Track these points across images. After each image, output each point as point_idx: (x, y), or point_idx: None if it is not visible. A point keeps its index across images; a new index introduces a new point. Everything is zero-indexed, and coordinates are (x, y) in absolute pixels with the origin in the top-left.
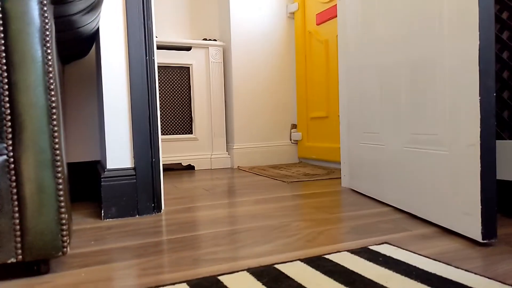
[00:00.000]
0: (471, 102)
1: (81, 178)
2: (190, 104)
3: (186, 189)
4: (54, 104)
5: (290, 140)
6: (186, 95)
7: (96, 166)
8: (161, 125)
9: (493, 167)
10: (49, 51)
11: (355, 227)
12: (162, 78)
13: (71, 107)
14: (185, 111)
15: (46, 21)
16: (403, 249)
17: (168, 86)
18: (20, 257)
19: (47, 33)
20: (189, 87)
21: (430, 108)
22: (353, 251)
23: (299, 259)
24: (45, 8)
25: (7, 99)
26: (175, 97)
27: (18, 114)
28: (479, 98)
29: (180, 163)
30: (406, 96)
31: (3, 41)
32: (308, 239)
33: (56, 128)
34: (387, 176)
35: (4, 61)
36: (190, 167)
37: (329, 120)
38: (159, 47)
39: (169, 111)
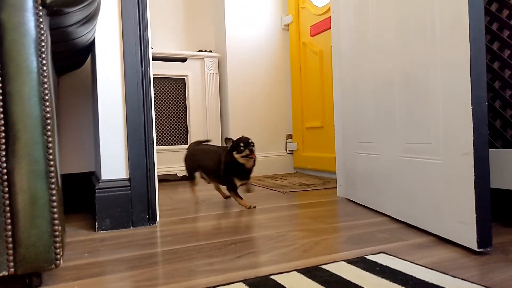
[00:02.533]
0: (464, 111)
1: (75, 189)
2: (186, 115)
3: (181, 200)
4: (48, 115)
5: (286, 150)
6: (181, 106)
7: (90, 177)
8: (157, 135)
9: (486, 175)
10: (44, 62)
11: (352, 237)
12: (158, 89)
13: (66, 118)
14: (180, 122)
15: (42, 32)
16: (400, 258)
17: (163, 97)
18: (12, 270)
19: (43, 44)
20: (185, 98)
21: (424, 117)
22: (349, 261)
23: (296, 270)
24: (41, 20)
25: (1, 109)
26: (170, 108)
27: (12, 124)
28: (471, 107)
29: (176, 174)
30: (400, 105)
31: None
32: (304, 249)
33: (50, 139)
34: (382, 185)
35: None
36: (186, 178)
37: (324, 130)
38: (154, 58)
39: (164, 122)
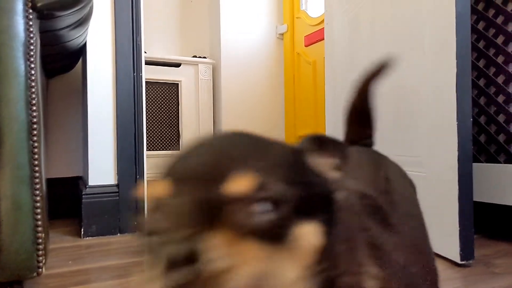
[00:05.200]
0: (449, 127)
1: (62, 194)
2: (178, 120)
3: None
4: (35, 119)
5: None
6: (174, 111)
7: (78, 182)
8: (147, 140)
9: (470, 190)
10: (32, 65)
11: None
12: (151, 94)
13: (54, 121)
14: (173, 127)
15: (31, 35)
16: None
17: (156, 102)
18: None
19: (32, 47)
20: (178, 103)
21: (412, 131)
22: None
23: None
24: (31, 23)
25: None
26: (163, 113)
27: None
28: (456, 123)
29: None
30: (390, 118)
31: None
32: None
33: (36, 144)
34: None
35: None
36: None
37: None
38: (148, 63)
39: (156, 126)
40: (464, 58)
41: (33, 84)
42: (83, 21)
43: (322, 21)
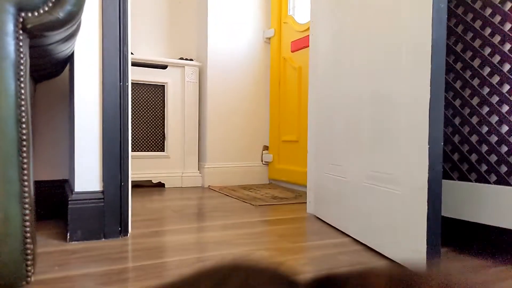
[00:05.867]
0: (421, 149)
1: (47, 196)
2: (164, 122)
3: (154, 209)
4: (24, 137)
5: (262, 161)
6: (159, 113)
7: (63, 185)
8: (133, 141)
9: (438, 210)
10: (22, 85)
11: (314, 259)
12: (137, 95)
13: (41, 124)
14: (158, 128)
15: (21, 55)
16: None
17: (142, 103)
18: None
19: (21, 67)
20: (163, 105)
21: (387, 148)
22: None
23: None
24: (21, 43)
25: None
26: (148, 114)
27: None
28: (428, 146)
29: (151, 180)
30: (368, 133)
31: None
32: None
33: (25, 160)
34: (348, 208)
35: None
36: (161, 185)
37: (299, 144)
38: (135, 64)
39: (142, 128)
40: (438, 85)
41: (23, 103)
42: (72, 36)
43: (308, 28)
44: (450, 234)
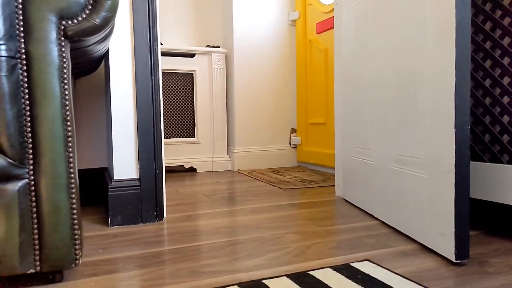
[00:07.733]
0: (448, 133)
1: (90, 183)
2: (193, 108)
3: (187, 194)
4: (70, 134)
5: (290, 144)
6: (189, 100)
7: (103, 173)
8: (165, 128)
9: (466, 194)
10: (66, 87)
11: (342, 242)
12: (167, 83)
13: (82, 117)
14: (188, 115)
15: (64, 60)
16: (382, 267)
17: (172, 91)
18: (38, 268)
19: (65, 71)
20: (193, 92)
21: (414, 133)
22: (335, 268)
23: (286, 275)
24: (63, 49)
25: (29, 129)
26: (179, 101)
27: (38, 143)
28: (454, 130)
29: (183, 166)
30: (393, 117)
31: (26, 79)
32: (296, 254)
33: (71, 155)
34: (375, 191)
35: (27, 97)
36: (192, 170)
37: (327, 126)
38: (164, 54)
39: (173, 115)
40: (463, 69)
41: (67, 103)
42: (107, 37)
43: (333, 9)
44: (481, 217)
